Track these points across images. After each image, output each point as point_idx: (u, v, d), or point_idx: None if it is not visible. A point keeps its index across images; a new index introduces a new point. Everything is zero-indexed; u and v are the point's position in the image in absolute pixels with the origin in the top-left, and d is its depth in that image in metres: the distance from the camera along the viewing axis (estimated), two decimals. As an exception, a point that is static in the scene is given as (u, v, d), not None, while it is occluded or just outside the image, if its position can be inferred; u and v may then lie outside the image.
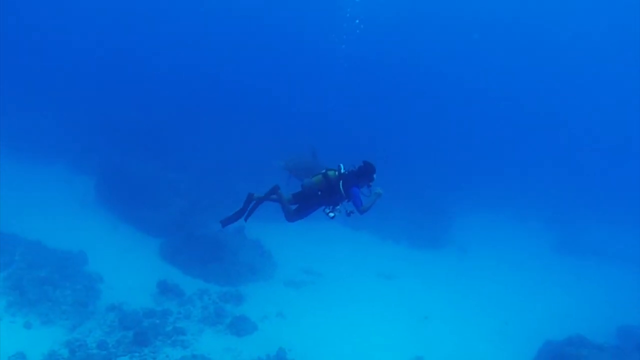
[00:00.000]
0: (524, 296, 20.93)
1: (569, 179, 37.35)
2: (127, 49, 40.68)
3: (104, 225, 20.03)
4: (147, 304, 14.97)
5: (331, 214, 8.43)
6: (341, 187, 8.34)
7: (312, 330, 15.41)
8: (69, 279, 15.06)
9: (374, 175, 8.55)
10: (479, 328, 17.52)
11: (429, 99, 46.04)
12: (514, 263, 24.56)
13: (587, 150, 44.43)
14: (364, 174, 8.54)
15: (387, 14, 41.38)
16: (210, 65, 41.95)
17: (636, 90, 49.96)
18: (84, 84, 33.14)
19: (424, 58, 50.39)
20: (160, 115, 28.89)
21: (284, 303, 16.62)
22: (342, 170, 8.44)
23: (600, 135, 47.84)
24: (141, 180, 21.90)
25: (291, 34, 48.41)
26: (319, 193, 8.45)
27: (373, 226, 24.14)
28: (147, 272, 16.80)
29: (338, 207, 8.50)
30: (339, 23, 37.86)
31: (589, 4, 43.27)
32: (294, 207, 8.78)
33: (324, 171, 8.48)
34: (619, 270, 25.69)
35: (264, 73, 43.41)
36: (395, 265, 21.87)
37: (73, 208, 20.98)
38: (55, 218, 19.35)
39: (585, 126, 48.57)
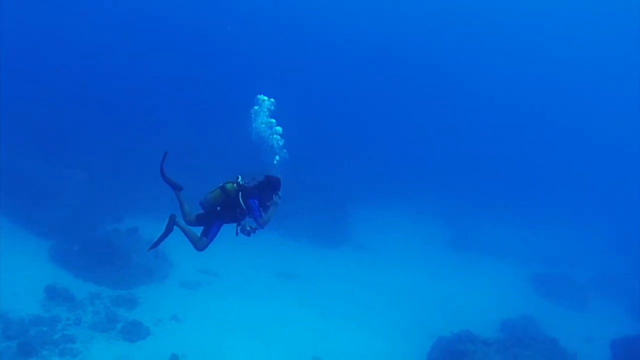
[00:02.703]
0: (419, 292, 21.95)
1: (464, 178, 38.81)
2: (20, 40, 38.29)
3: (-12, 225, 18.99)
4: (34, 311, 14.44)
5: (240, 231, 7.84)
6: (240, 199, 7.86)
7: (208, 333, 15.48)
8: (-54, 286, 14.30)
9: (279, 189, 8.02)
10: (375, 324, 18.23)
11: (330, 94, 46.30)
12: (410, 259, 25.56)
13: (481, 150, 46.14)
14: (267, 189, 8.01)
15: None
16: (113, 58, 40.19)
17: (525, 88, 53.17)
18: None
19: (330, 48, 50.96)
20: (54, 107, 27.57)
21: (179, 305, 16.53)
22: (240, 182, 7.95)
23: (494, 138, 49.94)
24: (31, 177, 20.87)
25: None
26: (218, 208, 7.97)
27: (272, 224, 24.10)
28: (35, 276, 16.10)
29: (243, 223, 7.93)
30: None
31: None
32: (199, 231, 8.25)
33: (221, 184, 7.96)
34: (504, 265, 27.35)
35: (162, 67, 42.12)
36: (294, 264, 22.23)
37: (-47, 206, 19.73)
38: None
39: (480, 128, 50.60)
